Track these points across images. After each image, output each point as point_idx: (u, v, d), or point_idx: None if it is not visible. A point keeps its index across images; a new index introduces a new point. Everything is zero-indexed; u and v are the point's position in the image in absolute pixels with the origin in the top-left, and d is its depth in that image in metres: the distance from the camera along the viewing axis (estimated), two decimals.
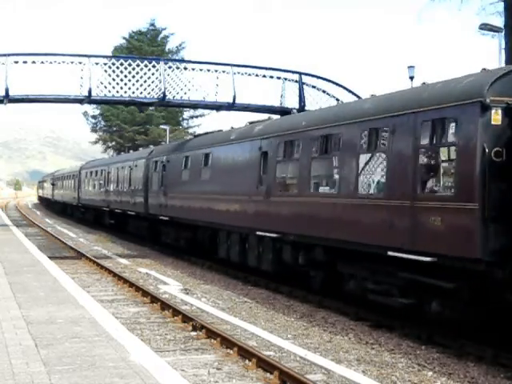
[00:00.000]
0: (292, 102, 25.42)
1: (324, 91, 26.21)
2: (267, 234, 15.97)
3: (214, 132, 22.98)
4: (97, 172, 39.79)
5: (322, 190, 14.16)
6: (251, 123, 19.59)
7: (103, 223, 38.22)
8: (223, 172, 19.25)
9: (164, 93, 23.95)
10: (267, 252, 16.37)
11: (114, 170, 34.65)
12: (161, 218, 25.02)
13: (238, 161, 18.47)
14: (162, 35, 64.68)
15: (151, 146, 36.58)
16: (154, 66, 24.06)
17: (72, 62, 23.25)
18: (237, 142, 18.74)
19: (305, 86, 25.78)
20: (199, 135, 25.05)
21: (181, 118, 64.59)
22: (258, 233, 16.49)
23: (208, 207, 20.20)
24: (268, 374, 8.86)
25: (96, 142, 67.97)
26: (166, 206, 24.46)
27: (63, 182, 55.64)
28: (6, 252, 19.39)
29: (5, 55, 22.74)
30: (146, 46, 60.52)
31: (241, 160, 18.19)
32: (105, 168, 37.31)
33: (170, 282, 17.68)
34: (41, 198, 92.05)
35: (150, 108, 53.20)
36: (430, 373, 9.29)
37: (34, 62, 22.75)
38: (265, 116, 21.90)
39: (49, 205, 72.75)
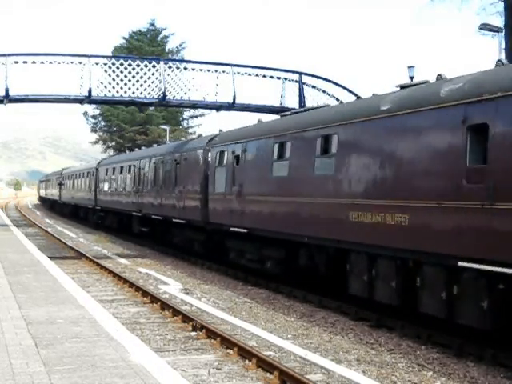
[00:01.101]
0: (292, 102, 25.43)
1: (324, 91, 26.23)
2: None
3: (327, 106, 16.55)
4: (122, 168, 32.95)
5: None
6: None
7: (131, 231, 31.11)
8: (371, 163, 12.08)
9: (164, 93, 23.96)
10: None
11: (150, 166, 27.67)
12: (232, 229, 18.05)
13: (407, 146, 11.15)
14: (161, 35, 64.59)
15: (211, 133, 25.79)
16: (154, 66, 24.07)
17: (72, 62, 23.27)
18: (404, 115, 11.36)
19: (305, 86, 25.80)
20: (296, 112, 17.69)
21: (181, 118, 64.52)
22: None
23: (332, 216, 13.23)
24: (268, 374, 8.86)
25: (96, 142, 67.91)
26: (241, 212, 17.56)
27: (74, 181, 48.16)
28: (6, 252, 19.39)
29: (5, 55, 22.75)
30: (146, 46, 60.45)
31: (420, 144, 10.84)
32: (134, 163, 30.43)
33: (170, 282, 17.68)
34: (43, 199, 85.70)
35: (150, 108, 53.19)
36: (430, 373, 9.29)
37: (34, 62, 22.77)
38: (264, 116, 21.93)
39: (53, 206, 66.87)
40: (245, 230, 17.23)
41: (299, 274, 15.55)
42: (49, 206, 73.78)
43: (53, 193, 64.64)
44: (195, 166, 21.63)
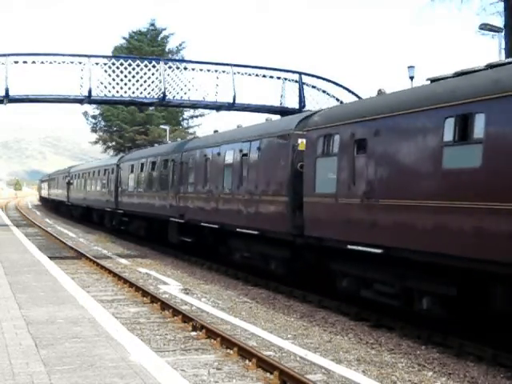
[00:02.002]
0: (292, 102, 25.45)
1: (324, 91, 26.24)
2: None
3: None
4: (154, 164, 26.74)
5: None
6: None
7: (165, 240, 24.93)
8: None
9: (164, 93, 23.96)
10: None
11: (198, 160, 21.39)
12: (352, 247, 12.54)
13: None
14: (162, 35, 64.61)
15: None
16: (154, 66, 24.08)
17: (72, 62, 23.29)
18: None
19: (305, 86, 25.81)
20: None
21: (181, 118, 64.54)
22: None
23: None
24: (268, 374, 8.86)
25: (96, 143, 67.91)
26: (372, 223, 12.04)
27: (86, 181, 42.43)
28: (6, 252, 19.38)
29: (5, 55, 22.77)
30: (146, 46, 60.47)
31: None
32: (173, 157, 24.01)
33: (170, 282, 17.68)
34: (45, 200, 78.70)
35: (150, 108, 53.20)
36: (430, 373, 9.29)
37: (34, 62, 22.79)
38: (264, 116, 21.91)
39: (58, 208, 60.25)
40: (378, 251, 11.72)
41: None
42: (52, 207, 66.88)
43: (58, 193, 58.58)
44: (275, 157, 16.07)
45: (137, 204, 29.00)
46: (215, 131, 23.45)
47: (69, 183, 49.18)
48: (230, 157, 18.80)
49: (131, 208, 29.86)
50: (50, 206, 69.47)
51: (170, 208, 23.81)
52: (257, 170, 17.04)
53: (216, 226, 19.36)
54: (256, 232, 16.65)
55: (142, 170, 28.64)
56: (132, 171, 30.27)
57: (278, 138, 16.16)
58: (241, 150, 18.05)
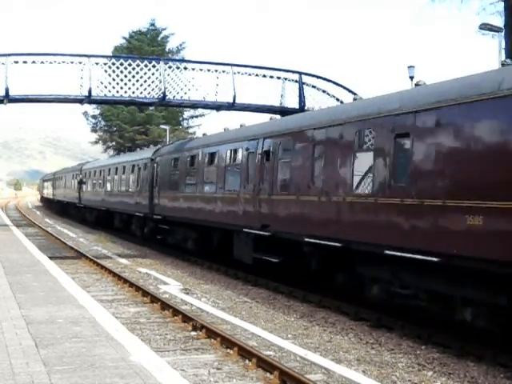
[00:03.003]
0: (292, 102, 25.43)
1: (324, 91, 26.23)
2: None
3: None
4: (213, 156, 20.70)
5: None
6: None
7: (228, 257, 19.14)
8: None
9: (164, 93, 23.95)
10: None
11: (301, 149, 14.90)
12: None
13: None
14: (162, 35, 64.63)
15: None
16: (154, 66, 24.06)
17: (72, 62, 23.26)
18: None
19: (305, 86, 25.79)
20: None
21: (181, 118, 64.55)
22: None
23: None
24: (268, 374, 8.86)
25: (96, 143, 67.92)
26: None
27: (106, 179, 36.11)
28: (6, 252, 19.39)
29: (5, 55, 22.75)
30: (146, 46, 60.46)
31: None
32: (249, 146, 17.68)
33: (170, 282, 17.68)
34: (48, 201, 71.91)
35: (150, 108, 53.19)
36: (430, 373, 9.29)
37: (34, 62, 22.77)
38: (265, 116, 21.92)
39: (66, 211, 53.35)
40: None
41: None
42: (58, 209, 59.68)
43: (66, 193, 51.65)
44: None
45: (184, 209, 22.59)
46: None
47: (81, 182, 42.92)
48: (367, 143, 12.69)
49: (174, 213, 23.57)
50: (55, 207, 62.46)
51: (244, 215, 17.51)
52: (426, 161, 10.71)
53: (337, 245, 13.01)
54: (435, 259, 10.16)
55: (192, 164, 22.36)
56: (176, 167, 24.23)
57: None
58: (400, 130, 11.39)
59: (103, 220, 37.87)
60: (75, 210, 47.16)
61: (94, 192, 39.82)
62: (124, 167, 32.42)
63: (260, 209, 16.57)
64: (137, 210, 28.65)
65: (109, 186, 35.53)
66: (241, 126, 20.71)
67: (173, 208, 24.01)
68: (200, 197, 21.21)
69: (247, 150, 17.74)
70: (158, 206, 25.69)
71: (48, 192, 70.48)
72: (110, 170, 35.79)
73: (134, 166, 30.30)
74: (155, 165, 26.78)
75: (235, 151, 18.86)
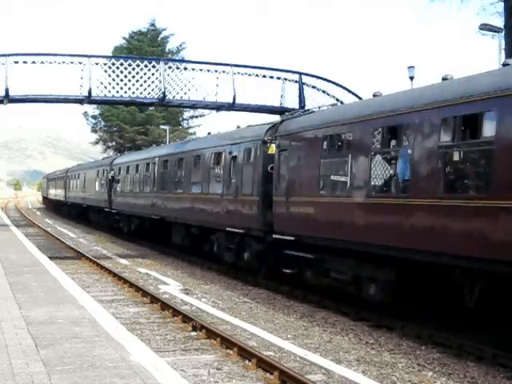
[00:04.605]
0: (292, 102, 25.43)
1: (324, 91, 26.23)
2: None
3: None
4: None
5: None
6: None
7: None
8: None
9: (164, 93, 23.96)
10: None
11: None
12: None
13: None
14: (162, 35, 64.64)
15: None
16: (153, 66, 24.07)
17: (72, 62, 23.27)
18: None
19: (305, 86, 25.79)
20: None
21: (181, 119, 64.54)
22: None
23: None
24: (268, 374, 8.86)
25: (96, 143, 67.91)
26: None
27: (159, 175, 26.26)
28: (6, 252, 19.38)
29: (5, 55, 22.76)
30: (146, 46, 60.45)
31: None
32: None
33: (170, 282, 17.68)
34: (56, 203, 61.51)
35: (150, 108, 53.18)
36: (430, 373, 9.29)
37: (34, 62, 22.77)
38: (264, 116, 21.92)
39: (84, 215, 43.57)
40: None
41: None
42: (72, 214, 50.07)
43: (86, 195, 41.64)
44: None
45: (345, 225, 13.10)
46: None
47: (112, 180, 33.51)
48: None
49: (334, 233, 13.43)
50: (67, 212, 53.09)
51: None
52: None
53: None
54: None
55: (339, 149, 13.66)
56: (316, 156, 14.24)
57: None
58: None
59: (151, 232, 27.96)
60: (102, 216, 37.17)
61: (134, 194, 29.62)
62: (198, 157, 21.98)
63: None
64: (230, 222, 18.49)
65: (165, 185, 25.41)
66: None
67: (338, 223, 13.34)
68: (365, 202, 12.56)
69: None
70: (288, 219, 15.32)
71: (56, 193, 59.55)
72: (166, 162, 25.51)
73: (220, 153, 19.94)
74: (278, 150, 16.07)
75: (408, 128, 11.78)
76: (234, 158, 18.60)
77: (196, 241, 22.30)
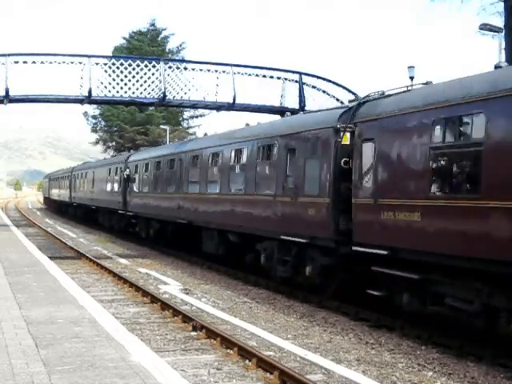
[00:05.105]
0: (292, 102, 25.45)
1: (324, 91, 26.25)
2: None
3: None
4: None
5: None
6: None
7: None
8: None
9: (164, 93, 23.98)
10: None
11: None
12: None
13: None
14: (162, 35, 64.64)
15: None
16: (154, 66, 24.10)
17: (72, 62, 23.31)
18: None
19: (305, 86, 25.82)
20: None
21: (181, 118, 64.54)
22: None
23: None
24: (268, 374, 8.86)
25: (96, 143, 67.90)
26: None
27: (187, 173, 22.30)
28: (6, 252, 19.38)
29: (5, 55, 22.79)
30: (146, 46, 60.45)
31: None
32: None
33: (170, 282, 17.67)
34: (60, 204, 58.85)
35: (150, 108, 53.18)
36: (430, 373, 9.29)
37: (34, 62, 22.81)
38: (265, 116, 21.92)
39: (91, 217, 40.91)
40: None
41: None
42: (78, 216, 46.90)
43: (95, 195, 38.33)
44: None
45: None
46: None
47: (128, 180, 30.17)
48: None
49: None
50: (73, 213, 50.09)
51: None
52: None
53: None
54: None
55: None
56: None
57: None
58: None
59: (175, 238, 24.69)
60: (114, 219, 34.09)
61: (155, 194, 26.09)
62: (240, 151, 18.43)
63: None
64: (286, 229, 15.13)
65: (195, 185, 21.69)
66: None
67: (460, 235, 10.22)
68: None
69: None
70: (377, 227, 12.08)
71: (59, 193, 56.81)
72: (196, 158, 21.79)
73: (271, 146, 16.31)
74: (360, 139, 12.72)
75: None
76: (292, 151, 15.10)
77: (235, 250, 18.86)
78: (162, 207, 24.84)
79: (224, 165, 19.23)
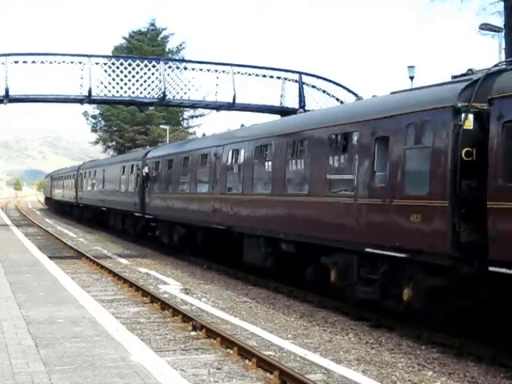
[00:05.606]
0: (292, 102, 25.45)
1: (324, 91, 26.25)
2: None
3: None
4: None
5: None
6: None
7: None
8: None
9: (164, 93, 23.98)
10: None
11: None
12: None
13: None
14: (162, 35, 64.64)
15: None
16: (154, 66, 24.10)
17: (72, 62, 23.32)
18: None
19: (305, 86, 25.83)
20: None
21: (181, 118, 64.55)
22: None
23: None
24: (268, 374, 8.85)
25: (96, 143, 67.90)
26: None
27: (220, 168, 19.20)
28: (6, 252, 19.37)
29: (5, 55, 22.80)
30: (146, 46, 60.46)
31: None
32: None
33: (170, 282, 17.67)
34: (63, 204, 55.54)
35: (150, 108, 53.18)
36: (430, 373, 9.29)
37: (34, 62, 22.82)
38: (265, 116, 21.92)
39: (101, 219, 38.11)
40: None
41: None
42: (86, 217, 43.48)
43: (102, 197, 35.91)
44: None
45: None
46: None
47: (147, 178, 26.59)
48: None
49: None
50: (79, 214, 46.43)
51: None
52: None
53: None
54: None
55: None
56: None
57: None
58: None
59: (206, 246, 21.63)
60: (129, 222, 30.83)
61: (182, 195, 22.81)
62: (300, 143, 15.14)
63: None
64: (373, 240, 11.97)
65: (237, 185, 18.46)
66: None
67: None
68: None
69: None
70: None
71: (63, 193, 53.29)
72: (237, 152, 18.64)
73: (347, 135, 13.28)
74: (502, 122, 9.60)
75: None
76: (382, 140, 11.86)
77: (288, 262, 15.96)
78: (191, 210, 21.48)
79: (279, 160, 15.76)
